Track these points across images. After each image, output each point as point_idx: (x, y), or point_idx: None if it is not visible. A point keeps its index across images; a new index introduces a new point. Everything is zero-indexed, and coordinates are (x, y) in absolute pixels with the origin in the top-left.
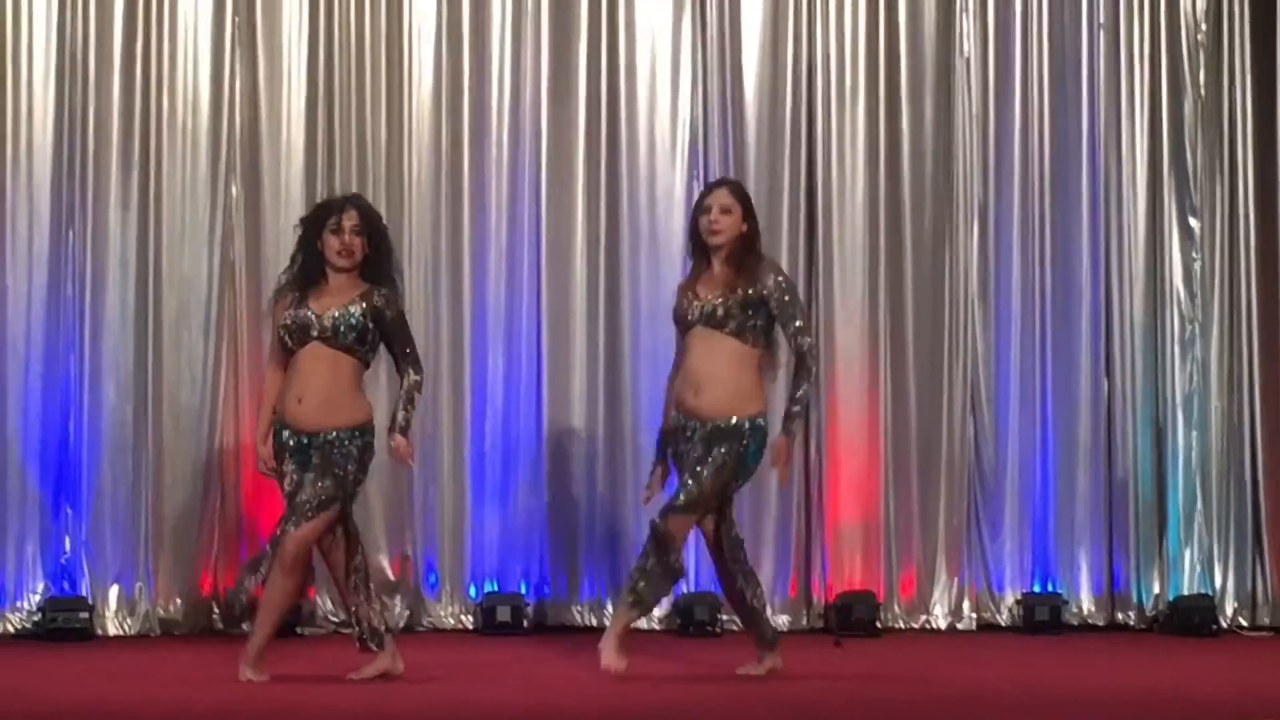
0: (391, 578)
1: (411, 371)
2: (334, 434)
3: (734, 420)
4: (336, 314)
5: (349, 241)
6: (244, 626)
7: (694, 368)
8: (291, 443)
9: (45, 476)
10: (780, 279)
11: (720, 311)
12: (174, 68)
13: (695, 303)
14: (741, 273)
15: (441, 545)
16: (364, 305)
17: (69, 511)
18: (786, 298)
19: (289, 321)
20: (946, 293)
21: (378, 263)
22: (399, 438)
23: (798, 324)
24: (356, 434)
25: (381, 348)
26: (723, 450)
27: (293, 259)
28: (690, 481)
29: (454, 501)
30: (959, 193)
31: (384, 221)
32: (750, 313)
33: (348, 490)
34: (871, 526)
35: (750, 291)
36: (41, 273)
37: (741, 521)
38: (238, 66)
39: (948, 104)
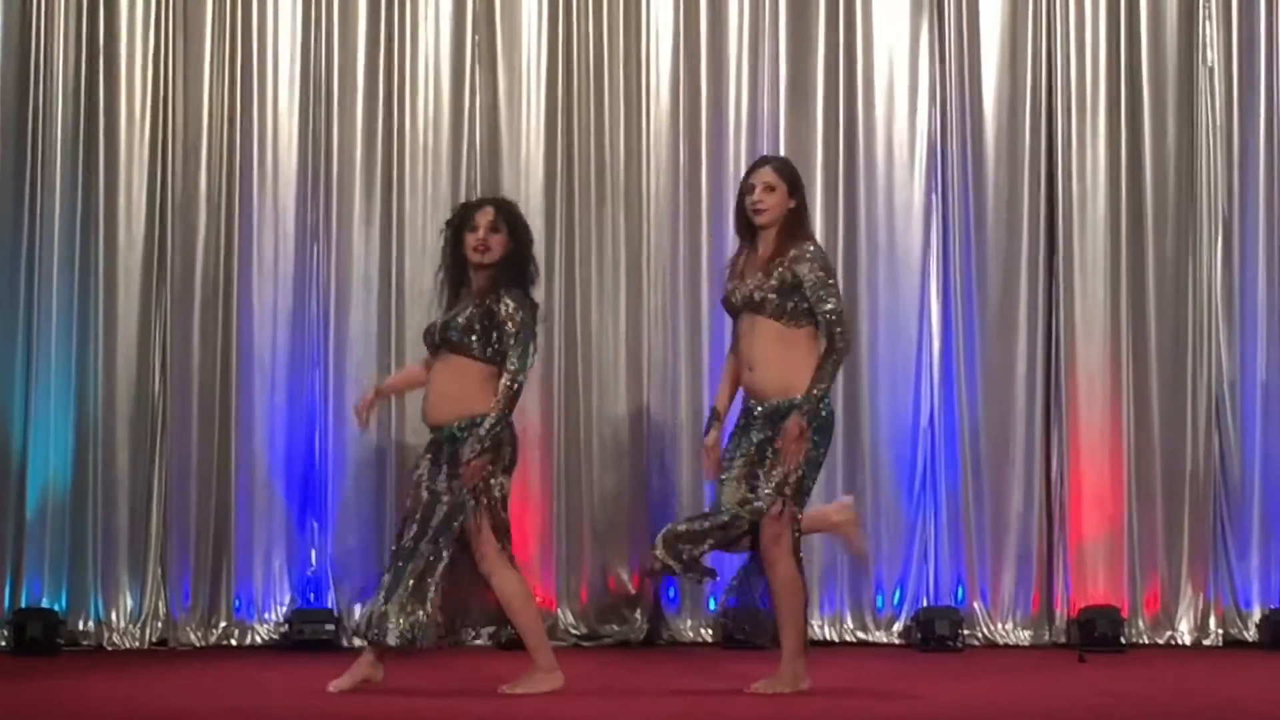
0: (632, 591)
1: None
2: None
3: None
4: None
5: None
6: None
7: (744, 352)
8: None
9: (291, 491)
10: (815, 264)
11: (757, 296)
12: (415, 86)
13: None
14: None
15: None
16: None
17: (315, 525)
18: (820, 279)
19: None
20: (1190, 306)
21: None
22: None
23: (828, 305)
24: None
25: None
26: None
27: None
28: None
29: (692, 514)
30: (1202, 205)
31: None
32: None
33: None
34: (1115, 541)
35: (789, 276)
36: (287, 290)
37: (981, 535)
38: (478, 83)
39: (1190, 114)
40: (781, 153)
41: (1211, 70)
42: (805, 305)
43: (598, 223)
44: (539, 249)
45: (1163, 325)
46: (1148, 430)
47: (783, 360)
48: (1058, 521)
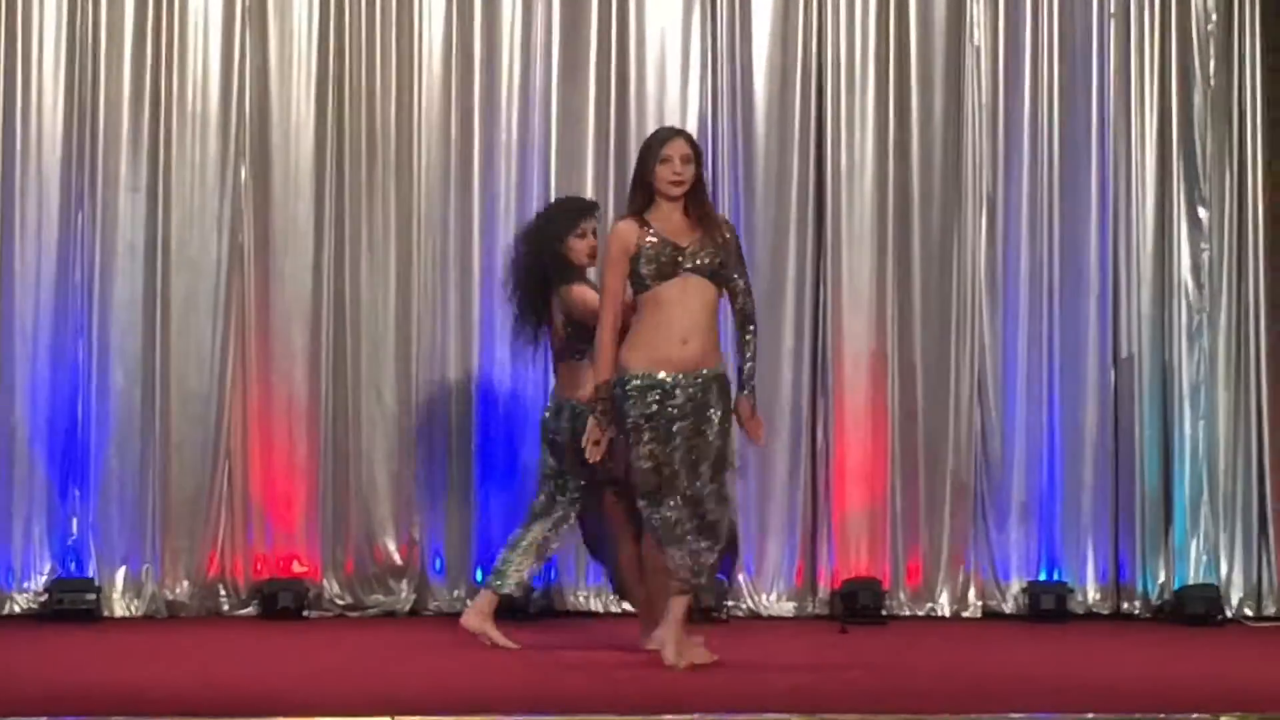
0: (398, 561)
1: None
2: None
3: (720, 369)
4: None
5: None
6: None
7: (681, 318)
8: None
9: (53, 459)
10: (731, 233)
11: (718, 260)
12: (184, 50)
13: (684, 250)
14: (709, 222)
15: (448, 528)
16: None
17: (77, 493)
18: (739, 251)
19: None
20: (954, 283)
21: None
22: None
23: (747, 280)
24: None
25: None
26: (720, 411)
27: None
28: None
29: (460, 484)
30: (968, 182)
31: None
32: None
33: None
34: (878, 514)
35: (724, 240)
36: (50, 256)
37: (747, 508)
38: (248, 49)
39: (957, 93)
40: (553, 124)
41: (978, 49)
42: (724, 274)
43: (368, 190)
44: (307, 217)
45: (928, 301)
46: (911, 404)
47: (712, 329)
48: (822, 494)
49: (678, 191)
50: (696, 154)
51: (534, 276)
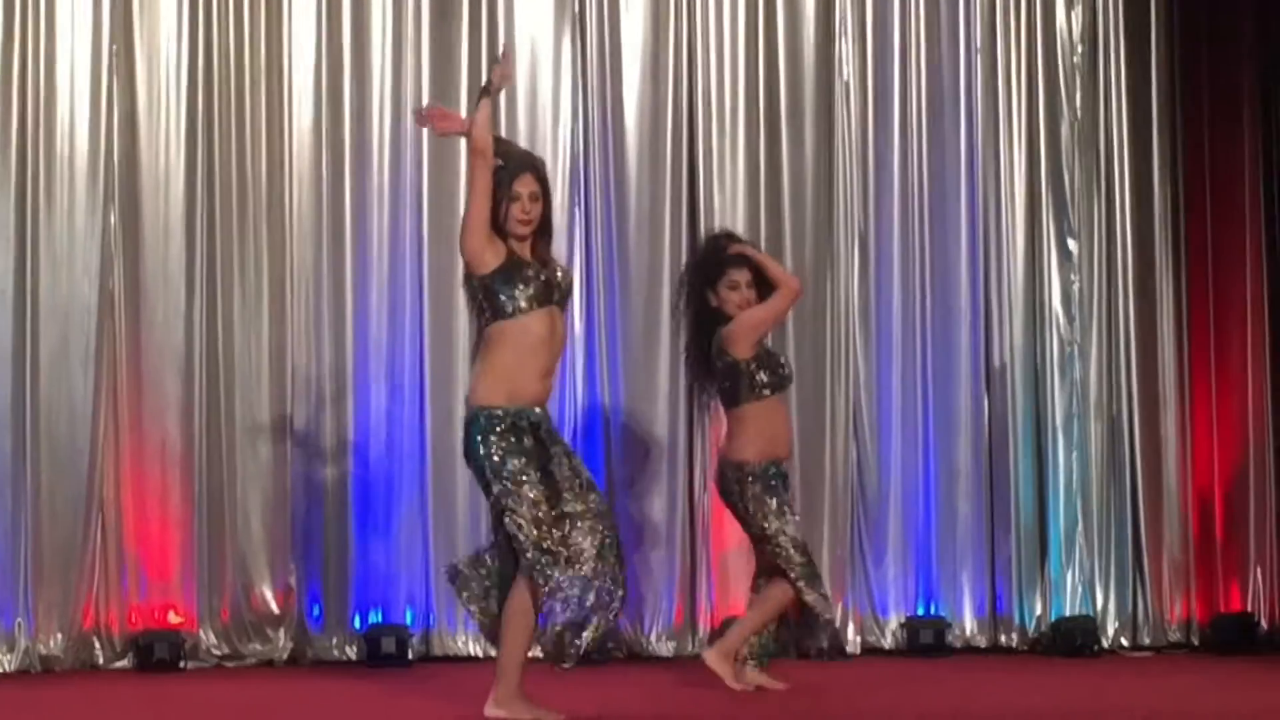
0: (275, 610)
1: None
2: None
3: None
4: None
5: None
6: None
7: (554, 352)
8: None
9: None
10: None
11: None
12: (51, 96)
13: (558, 274)
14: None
15: (325, 576)
16: None
17: None
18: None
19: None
20: (828, 319)
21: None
22: None
23: None
24: None
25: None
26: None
27: None
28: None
29: (337, 532)
30: (839, 217)
31: None
32: None
33: None
34: None
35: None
36: None
37: (626, 545)
38: (115, 94)
39: (828, 128)
40: (424, 165)
41: (847, 85)
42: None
43: (239, 235)
44: (178, 263)
45: (801, 337)
46: None
47: None
48: (700, 531)
49: (526, 231)
50: (545, 190)
51: (695, 330)
